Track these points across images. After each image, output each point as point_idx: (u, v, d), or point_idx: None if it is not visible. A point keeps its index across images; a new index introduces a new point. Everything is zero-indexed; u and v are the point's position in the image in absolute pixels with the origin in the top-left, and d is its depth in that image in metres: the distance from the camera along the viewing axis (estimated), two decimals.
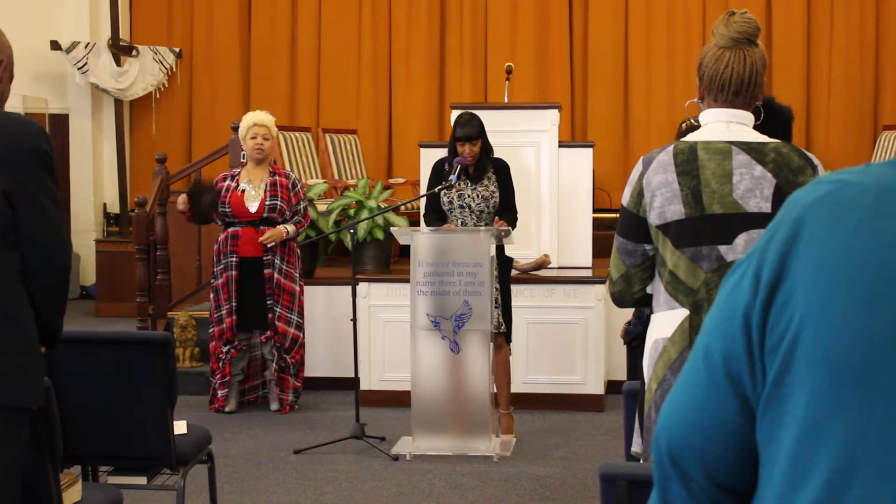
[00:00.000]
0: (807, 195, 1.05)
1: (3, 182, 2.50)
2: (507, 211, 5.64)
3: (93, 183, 10.87)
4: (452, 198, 5.60)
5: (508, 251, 5.80)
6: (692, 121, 3.26)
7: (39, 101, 10.59)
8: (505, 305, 5.63)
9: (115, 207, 10.98)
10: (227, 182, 6.25)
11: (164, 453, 3.67)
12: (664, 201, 2.49)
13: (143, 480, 3.77)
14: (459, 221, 5.61)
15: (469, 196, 5.59)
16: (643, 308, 2.88)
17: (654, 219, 2.52)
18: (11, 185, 2.50)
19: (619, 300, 2.67)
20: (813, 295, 0.99)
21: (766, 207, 2.44)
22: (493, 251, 5.44)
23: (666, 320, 2.51)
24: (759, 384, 1.03)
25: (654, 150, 2.58)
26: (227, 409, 6.33)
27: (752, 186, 2.45)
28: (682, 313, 2.48)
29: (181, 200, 6.18)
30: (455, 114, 6.87)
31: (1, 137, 2.54)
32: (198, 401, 6.41)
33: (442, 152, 6.24)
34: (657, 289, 2.57)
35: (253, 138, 6.23)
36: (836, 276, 0.98)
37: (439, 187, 5.59)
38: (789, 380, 1.00)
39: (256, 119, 6.26)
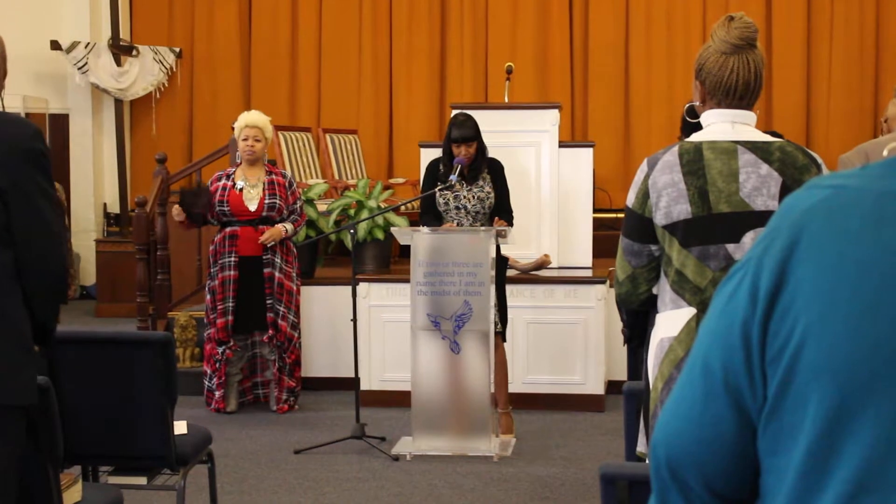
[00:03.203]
0: (803, 201, 1.03)
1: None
2: (502, 211, 5.63)
3: (93, 183, 10.87)
4: (448, 199, 5.59)
5: (508, 251, 5.79)
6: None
7: (39, 101, 10.60)
8: (501, 304, 5.63)
9: (115, 207, 10.98)
10: (223, 181, 6.25)
11: (164, 453, 3.67)
12: (670, 201, 2.50)
13: (143, 480, 3.77)
14: (455, 222, 5.60)
15: (464, 197, 5.58)
16: (637, 317, 2.87)
17: (660, 219, 2.52)
18: (7, 185, 2.51)
19: (626, 301, 2.68)
20: (815, 304, 0.98)
21: (773, 205, 2.46)
22: (493, 251, 5.44)
23: (672, 319, 2.52)
24: (759, 395, 1.02)
25: (658, 152, 2.59)
26: (227, 409, 6.34)
27: (758, 185, 2.47)
28: (688, 312, 2.49)
29: (176, 212, 6.19)
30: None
31: None
32: (198, 401, 6.41)
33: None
34: (663, 288, 2.57)
35: (244, 140, 6.23)
36: (838, 284, 0.97)
37: (440, 187, 5.57)
38: (793, 390, 0.99)
39: (249, 120, 6.25)
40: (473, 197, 5.58)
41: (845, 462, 0.95)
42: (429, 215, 5.66)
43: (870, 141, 4.69)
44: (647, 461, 2.61)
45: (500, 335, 5.64)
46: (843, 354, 0.96)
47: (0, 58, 2.67)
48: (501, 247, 5.62)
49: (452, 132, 5.52)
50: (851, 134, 9.77)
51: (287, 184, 6.29)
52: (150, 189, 7.57)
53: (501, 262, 5.68)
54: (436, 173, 5.64)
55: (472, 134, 5.51)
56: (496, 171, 5.65)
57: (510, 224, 5.61)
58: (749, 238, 2.46)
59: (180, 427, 3.83)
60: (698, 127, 2.68)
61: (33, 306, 2.61)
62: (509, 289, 5.83)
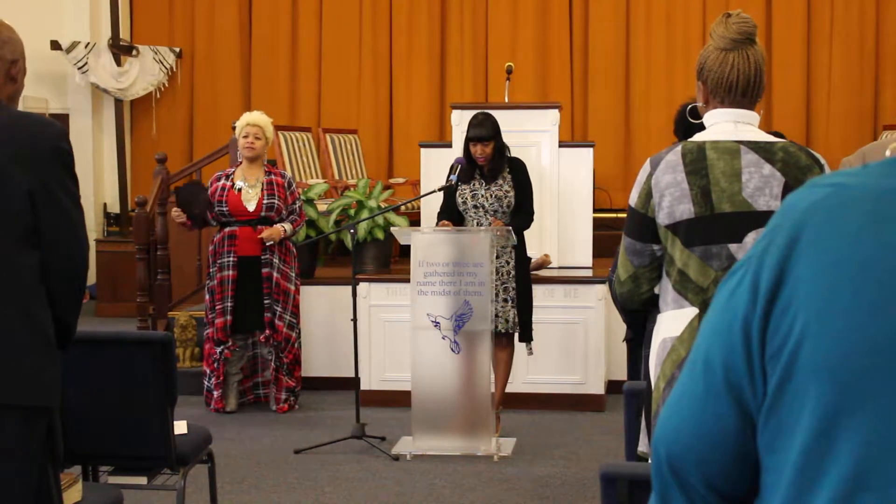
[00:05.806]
0: (804, 199, 1.03)
1: (27, 181, 2.49)
2: (521, 211, 5.62)
3: (93, 183, 10.86)
4: (466, 198, 5.59)
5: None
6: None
7: (39, 101, 10.59)
8: (524, 304, 5.61)
9: (115, 207, 10.98)
10: (223, 181, 6.27)
11: (164, 453, 3.67)
12: (673, 201, 2.50)
13: (143, 480, 3.77)
14: (475, 222, 5.59)
15: (483, 196, 5.58)
16: (636, 316, 2.88)
17: (663, 218, 2.52)
18: (34, 186, 2.49)
19: (628, 300, 2.68)
20: (814, 301, 0.98)
21: (776, 206, 2.46)
22: (493, 252, 5.43)
23: (674, 319, 2.52)
24: (759, 392, 1.03)
25: (661, 151, 2.59)
26: (227, 409, 6.34)
27: (761, 185, 2.47)
28: (691, 312, 2.49)
29: (175, 213, 6.20)
30: (455, 114, 6.89)
31: (23, 137, 2.52)
32: (198, 401, 6.41)
33: (443, 152, 6.25)
34: (665, 288, 2.57)
35: (245, 137, 6.27)
36: (838, 282, 0.97)
37: (438, 188, 5.60)
38: (792, 387, 0.99)
39: (250, 119, 6.31)
40: (492, 196, 5.57)
41: (842, 459, 0.95)
42: (443, 214, 5.66)
43: (870, 144, 4.70)
44: (648, 461, 2.61)
45: (510, 336, 5.63)
46: (841, 352, 0.96)
47: (22, 59, 2.66)
48: (527, 247, 5.61)
49: (469, 131, 5.53)
50: (851, 135, 9.77)
51: (286, 184, 6.30)
52: (150, 189, 7.58)
53: (524, 263, 5.66)
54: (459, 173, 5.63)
55: (487, 134, 5.50)
56: (518, 171, 5.64)
57: (527, 225, 5.61)
58: (751, 238, 2.46)
59: (180, 427, 3.83)
60: (694, 127, 2.68)
61: (58, 307, 2.59)
62: None
